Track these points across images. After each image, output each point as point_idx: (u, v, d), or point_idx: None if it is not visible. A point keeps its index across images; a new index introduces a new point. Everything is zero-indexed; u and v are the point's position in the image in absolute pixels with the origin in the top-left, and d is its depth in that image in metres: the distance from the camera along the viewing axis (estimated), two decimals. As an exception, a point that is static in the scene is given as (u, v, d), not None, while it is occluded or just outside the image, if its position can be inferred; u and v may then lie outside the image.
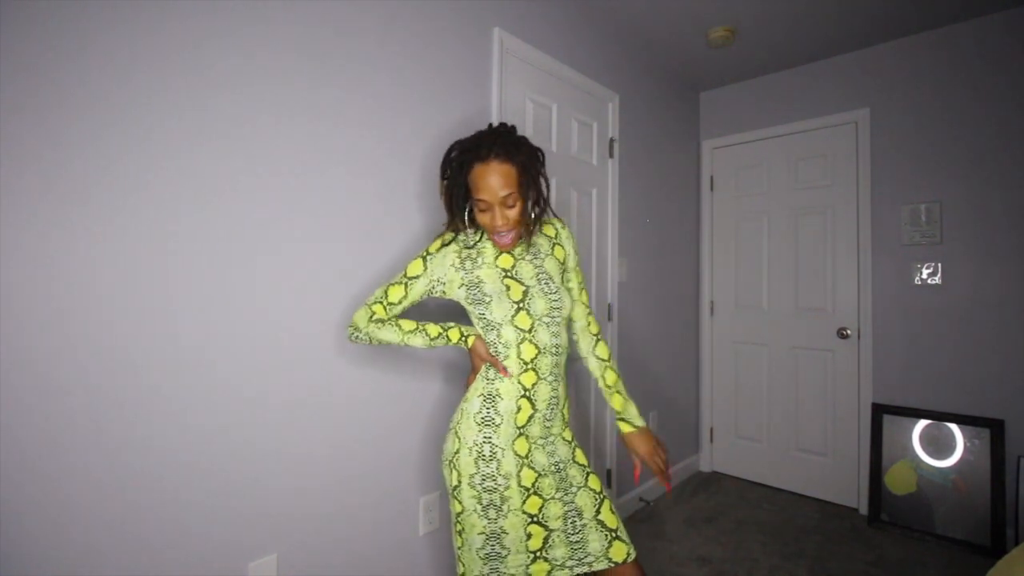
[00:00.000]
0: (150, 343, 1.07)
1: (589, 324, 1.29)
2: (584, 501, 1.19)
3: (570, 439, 1.23)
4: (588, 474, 1.21)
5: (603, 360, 1.29)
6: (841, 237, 2.69)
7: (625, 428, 1.27)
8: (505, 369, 1.15)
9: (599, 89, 2.33)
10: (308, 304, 1.33)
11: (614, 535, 1.18)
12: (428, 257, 1.20)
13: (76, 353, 0.98)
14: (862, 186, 2.60)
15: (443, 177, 1.18)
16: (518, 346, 1.14)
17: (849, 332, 2.64)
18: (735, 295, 3.09)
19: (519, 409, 1.14)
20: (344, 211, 1.41)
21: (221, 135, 1.17)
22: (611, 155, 2.41)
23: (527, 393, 1.14)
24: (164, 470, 1.09)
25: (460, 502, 1.13)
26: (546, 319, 1.16)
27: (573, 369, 2.18)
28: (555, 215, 1.29)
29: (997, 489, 2.17)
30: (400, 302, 1.20)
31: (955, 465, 2.29)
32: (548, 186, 1.20)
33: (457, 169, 1.13)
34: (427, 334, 1.22)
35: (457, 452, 1.14)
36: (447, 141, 1.66)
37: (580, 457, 1.23)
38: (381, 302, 1.20)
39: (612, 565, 1.17)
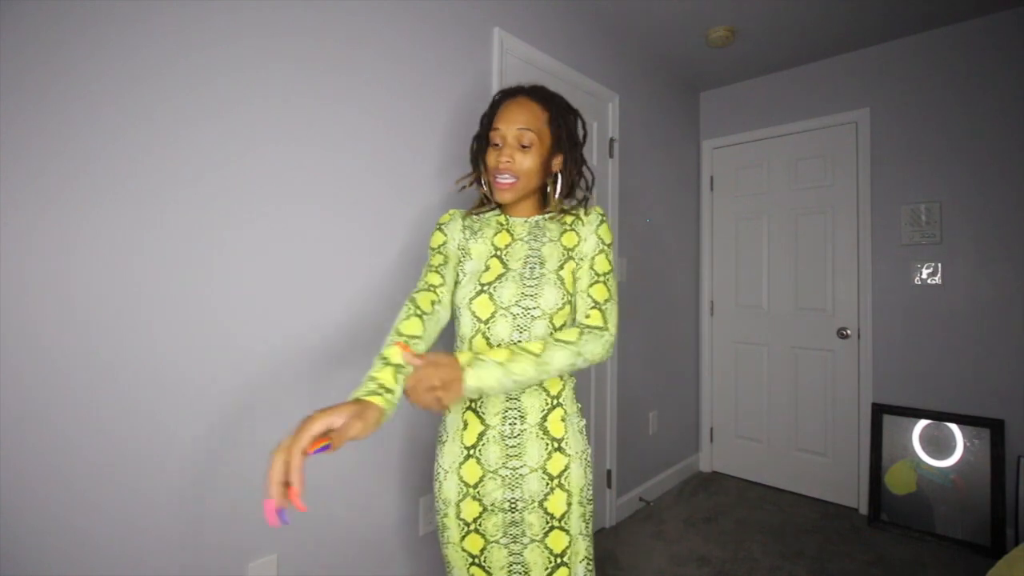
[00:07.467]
0: (152, 343, 1.07)
1: (588, 316, 0.95)
2: (534, 558, 0.95)
3: (556, 473, 0.96)
4: (552, 528, 0.95)
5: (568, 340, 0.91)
6: (841, 237, 2.69)
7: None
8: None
9: (599, 89, 2.33)
10: (312, 306, 1.33)
11: None
12: (442, 225, 1.07)
13: (75, 352, 0.98)
14: (862, 186, 2.60)
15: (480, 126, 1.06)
16: (470, 340, 0.97)
17: (849, 332, 2.64)
18: (735, 295, 3.09)
19: (465, 425, 0.97)
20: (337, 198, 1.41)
21: (215, 117, 1.17)
22: (611, 155, 2.41)
23: (472, 404, 0.97)
24: (164, 470, 1.09)
25: None
26: (514, 309, 0.95)
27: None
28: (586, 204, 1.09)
29: (997, 489, 2.17)
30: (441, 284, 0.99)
31: (955, 465, 2.29)
32: (583, 161, 1.06)
33: (490, 114, 1.02)
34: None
35: None
36: (445, 143, 1.66)
37: (554, 505, 0.95)
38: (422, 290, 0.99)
39: None
